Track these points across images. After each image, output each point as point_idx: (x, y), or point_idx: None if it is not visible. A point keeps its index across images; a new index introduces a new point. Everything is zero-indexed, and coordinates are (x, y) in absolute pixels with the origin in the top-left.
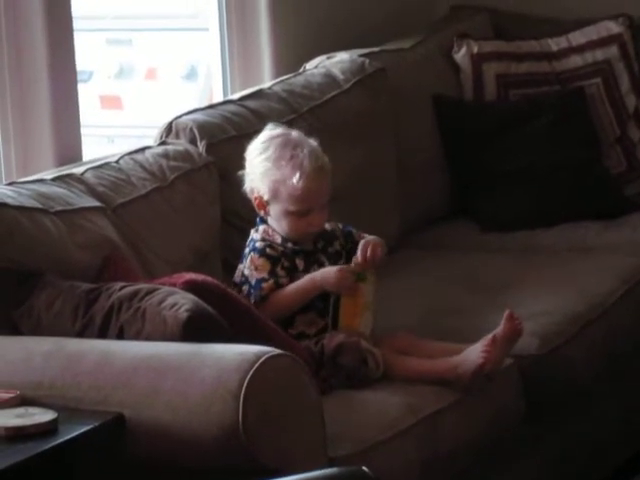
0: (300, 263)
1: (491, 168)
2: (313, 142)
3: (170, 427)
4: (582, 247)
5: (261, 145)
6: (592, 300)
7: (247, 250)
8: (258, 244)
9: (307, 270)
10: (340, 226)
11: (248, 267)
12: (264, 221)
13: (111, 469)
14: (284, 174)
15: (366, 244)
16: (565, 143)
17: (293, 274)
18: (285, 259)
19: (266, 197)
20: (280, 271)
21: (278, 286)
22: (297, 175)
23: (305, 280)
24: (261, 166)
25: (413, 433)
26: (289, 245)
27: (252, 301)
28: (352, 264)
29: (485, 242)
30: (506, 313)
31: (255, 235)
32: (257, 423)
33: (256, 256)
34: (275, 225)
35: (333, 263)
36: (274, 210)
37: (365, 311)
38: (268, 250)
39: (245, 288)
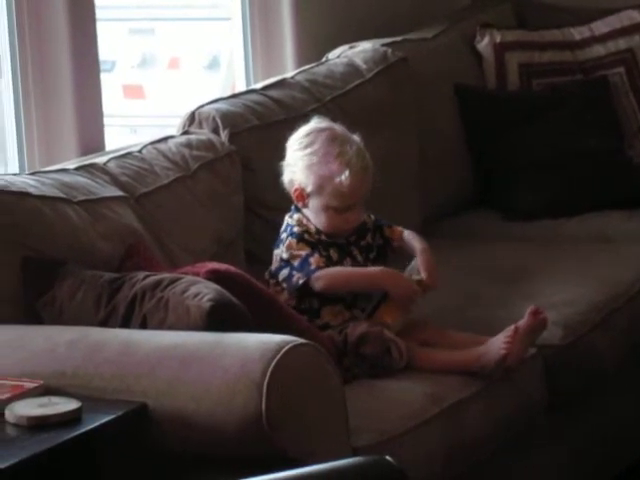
0: (334, 254)
1: (513, 157)
2: (357, 138)
3: (193, 417)
4: (605, 236)
5: (306, 138)
6: (615, 289)
7: (284, 235)
8: (296, 229)
9: (340, 262)
10: (372, 217)
11: (286, 251)
12: (298, 209)
13: (134, 458)
14: (331, 170)
15: (430, 268)
16: (588, 132)
17: (328, 265)
18: (322, 248)
19: (308, 190)
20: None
21: (325, 259)
22: (346, 173)
23: (378, 269)
24: (306, 159)
25: (436, 423)
26: (323, 237)
27: (299, 281)
28: (412, 275)
29: (507, 231)
30: (531, 308)
31: (290, 221)
32: (280, 412)
33: (294, 240)
34: (311, 217)
35: (365, 256)
36: (314, 203)
37: (401, 317)
38: (306, 236)
39: (285, 272)
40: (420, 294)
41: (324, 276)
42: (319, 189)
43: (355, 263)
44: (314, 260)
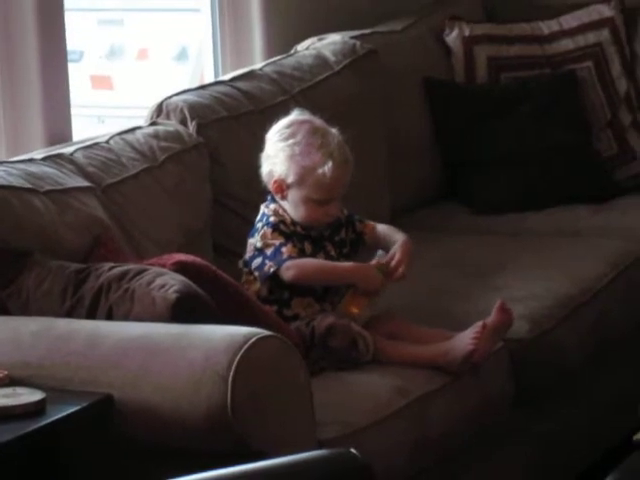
0: (308, 247)
1: (482, 151)
2: (336, 131)
3: (158, 408)
4: (572, 231)
5: (288, 129)
6: (582, 284)
7: (259, 224)
8: (272, 219)
9: (314, 255)
10: (345, 212)
11: (260, 240)
12: (274, 200)
13: (99, 450)
14: (314, 161)
15: (408, 260)
16: (556, 126)
17: (301, 255)
18: (296, 239)
19: (289, 181)
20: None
21: (298, 250)
22: (329, 164)
23: (349, 264)
24: (288, 150)
25: (402, 416)
26: (298, 229)
27: (270, 270)
28: (379, 261)
29: (476, 225)
30: (498, 303)
31: (266, 210)
32: (245, 405)
33: (269, 230)
34: (290, 209)
35: (338, 252)
36: (293, 195)
37: (368, 306)
38: (282, 226)
39: (258, 261)
40: (385, 284)
41: (294, 266)
42: (301, 180)
43: (328, 258)
44: (287, 250)
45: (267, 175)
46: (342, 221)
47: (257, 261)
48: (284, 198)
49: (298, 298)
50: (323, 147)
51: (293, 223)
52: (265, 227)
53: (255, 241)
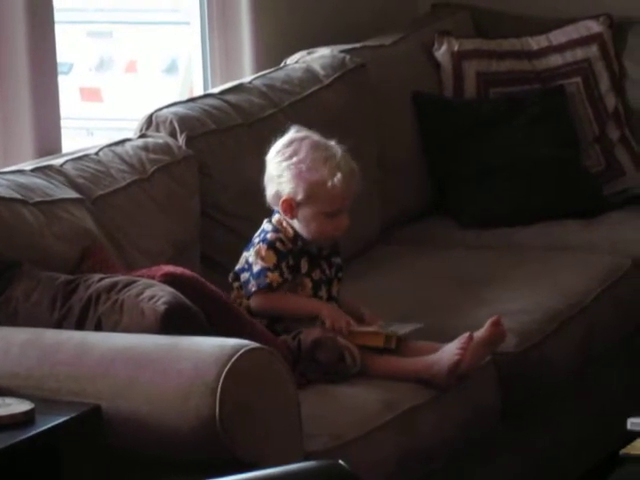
0: (304, 265)
1: (471, 165)
2: (334, 143)
3: (147, 419)
4: (561, 245)
5: (289, 148)
6: (570, 298)
7: (257, 240)
8: (269, 235)
9: (309, 274)
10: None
11: (254, 255)
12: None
13: (88, 460)
14: (323, 175)
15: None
16: (544, 142)
17: (296, 275)
18: (291, 257)
19: (299, 198)
20: (285, 268)
21: (282, 280)
22: (338, 175)
23: (315, 303)
24: (294, 168)
25: (389, 429)
26: (299, 244)
27: (252, 289)
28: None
29: (464, 239)
30: (492, 318)
31: (267, 226)
32: (234, 416)
33: (264, 247)
34: (300, 227)
35: (334, 273)
36: (304, 212)
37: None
38: (278, 244)
39: (245, 275)
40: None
41: (267, 300)
42: (310, 196)
43: (324, 276)
44: (272, 276)
45: (274, 197)
46: (338, 249)
47: (244, 275)
48: (294, 217)
49: None
50: (328, 160)
51: (294, 239)
52: (261, 243)
53: (249, 255)
